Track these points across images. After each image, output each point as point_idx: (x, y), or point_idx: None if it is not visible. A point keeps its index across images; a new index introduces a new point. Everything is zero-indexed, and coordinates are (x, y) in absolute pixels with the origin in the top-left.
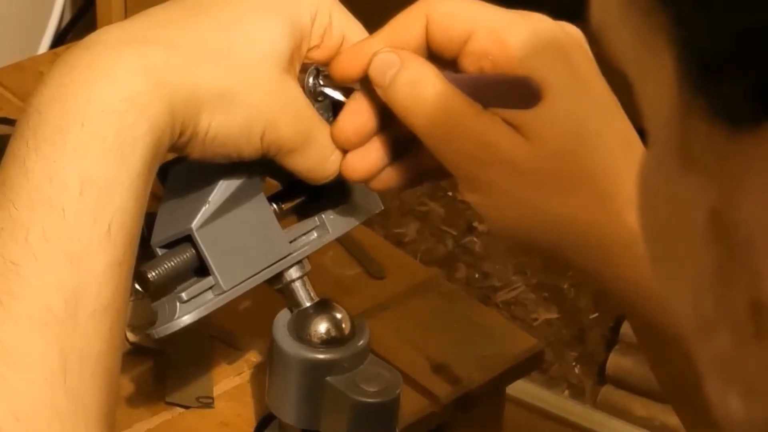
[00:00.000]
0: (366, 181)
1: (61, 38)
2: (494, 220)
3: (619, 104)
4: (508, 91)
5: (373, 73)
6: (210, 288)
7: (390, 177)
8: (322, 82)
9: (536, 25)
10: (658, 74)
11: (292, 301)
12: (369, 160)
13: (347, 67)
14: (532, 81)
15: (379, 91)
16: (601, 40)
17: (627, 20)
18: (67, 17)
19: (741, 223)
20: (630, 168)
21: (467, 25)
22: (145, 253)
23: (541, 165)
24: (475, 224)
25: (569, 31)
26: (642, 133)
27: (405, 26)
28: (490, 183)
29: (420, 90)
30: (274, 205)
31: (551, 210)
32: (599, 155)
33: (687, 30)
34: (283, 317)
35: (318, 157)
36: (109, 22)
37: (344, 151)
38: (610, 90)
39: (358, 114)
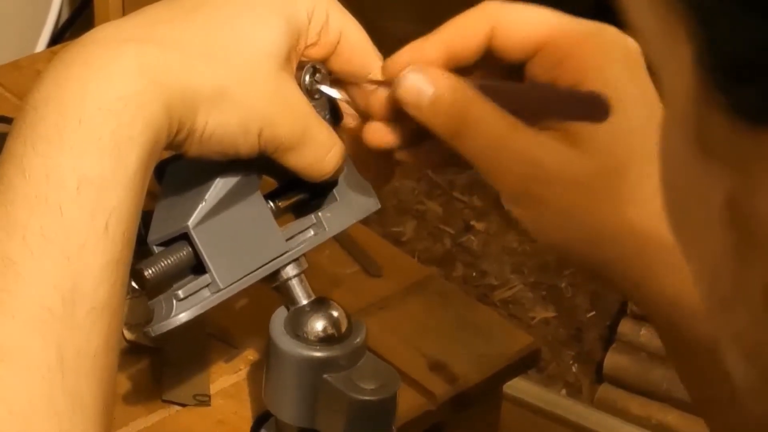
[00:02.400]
0: (388, 151)
1: (59, 37)
2: (542, 234)
3: None
4: (577, 105)
5: (406, 96)
6: (206, 286)
7: (415, 154)
8: (318, 80)
9: (610, 37)
10: (676, 63)
11: (288, 299)
12: (393, 132)
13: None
14: (602, 96)
15: (413, 112)
16: (623, 10)
17: (649, 3)
18: (65, 15)
19: (758, 216)
20: None
21: (542, 33)
22: (141, 251)
23: (598, 179)
24: (473, 223)
25: (631, 44)
26: None
27: (466, 30)
28: (539, 199)
29: (464, 113)
30: (271, 203)
31: (604, 224)
32: (655, 172)
33: (709, 31)
34: (280, 315)
35: (315, 154)
36: (106, 20)
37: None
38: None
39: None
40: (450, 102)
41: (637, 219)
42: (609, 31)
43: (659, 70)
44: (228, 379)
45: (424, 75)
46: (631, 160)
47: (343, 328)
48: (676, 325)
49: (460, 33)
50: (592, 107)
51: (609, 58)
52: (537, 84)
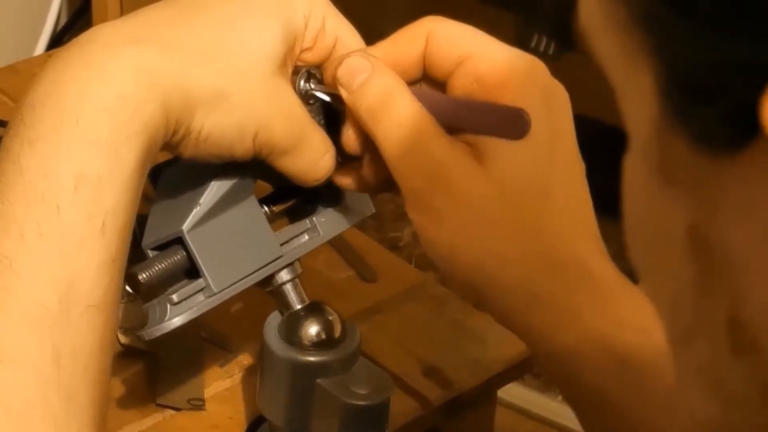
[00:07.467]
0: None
1: (57, 41)
2: (431, 244)
3: (584, 172)
4: (498, 120)
5: (342, 76)
6: (201, 290)
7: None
8: (313, 86)
9: (533, 66)
10: (637, 91)
11: (283, 304)
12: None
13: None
14: (524, 113)
15: (343, 94)
16: (586, 43)
17: (609, 32)
18: (63, 20)
19: (719, 243)
20: (578, 235)
21: (466, 47)
22: (136, 254)
23: (494, 201)
24: None
25: (559, 90)
26: (612, 131)
27: (406, 40)
28: (436, 206)
29: (388, 101)
30: (266, 208)
31: (492, 249)
32: (553, 211)
33: (666, 53)
34: (274, 320)
35: (310, 159)
36: None
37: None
38: (580, 157)
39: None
40: (378, 86)
41: (518, 252)
42: (534, 61)
43: (622, 102)
44: (222, 384)
45: (364, 58)
46: (524, 190)
47: (337, 333)
48: (557, 371)
49: (402, 44)
50: (510, 123)
51: (526, 83)
52: (460, 97)
